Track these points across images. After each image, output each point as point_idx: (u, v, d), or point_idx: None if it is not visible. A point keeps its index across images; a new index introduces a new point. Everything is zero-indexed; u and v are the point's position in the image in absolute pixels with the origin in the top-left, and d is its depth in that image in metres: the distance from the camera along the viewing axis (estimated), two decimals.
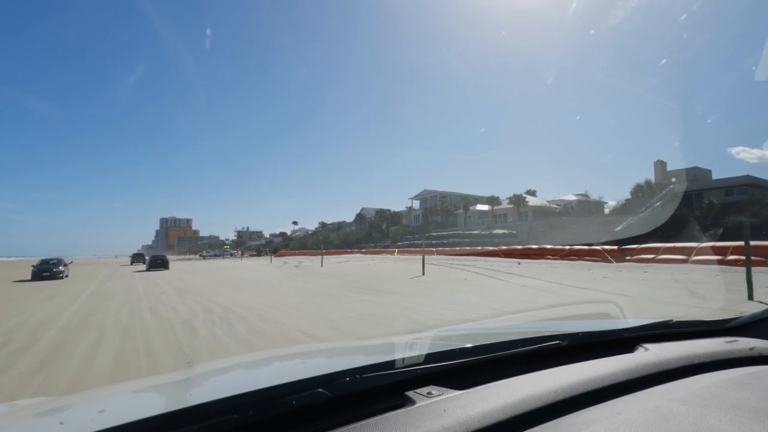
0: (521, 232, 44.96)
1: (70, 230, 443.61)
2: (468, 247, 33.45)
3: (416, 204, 74.21)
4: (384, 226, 70.44)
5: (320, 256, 43.10)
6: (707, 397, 0.91)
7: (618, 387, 0.95)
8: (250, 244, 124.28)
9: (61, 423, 0.75)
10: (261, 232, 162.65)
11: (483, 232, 46.66)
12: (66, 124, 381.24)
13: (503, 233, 45.36)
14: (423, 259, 16.69)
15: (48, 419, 0.92)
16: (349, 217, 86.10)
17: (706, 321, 1.56)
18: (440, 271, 17.75)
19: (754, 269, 8.25)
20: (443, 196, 66.61)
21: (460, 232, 49.95)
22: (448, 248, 35.96)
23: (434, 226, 59.61)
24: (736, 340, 1.33)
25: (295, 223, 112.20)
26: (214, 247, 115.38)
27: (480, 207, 56.88)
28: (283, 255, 60.72)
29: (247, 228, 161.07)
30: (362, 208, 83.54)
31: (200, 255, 77.29)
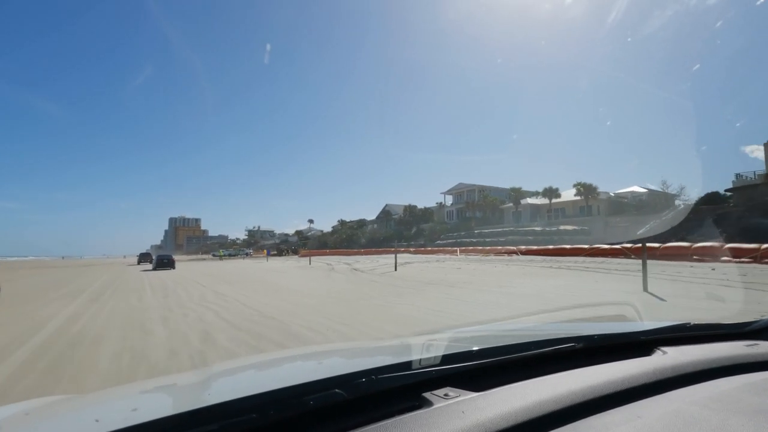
0: (594, 228, 37.69)
1: (81, 230, 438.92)
2: (567, 246, 26.08)
3: (448, 199, 67.15)
4: (413, 223, 63.36)
5: (367, 256, 36.19)
6: (728, 401, 0.87)
7: (637, 390, 0.92)
8: (262, 243, 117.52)
9: (97, 420, 0.75)
10: (272, 231, 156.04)
11: (549, 229, 39.40)
12: (77, 127, 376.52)
13: (573, 230, 38.10)
14: (644, 266, 9.36)
15: (83, 415, 0.92)
16: (365, 215, 79.14)
17: (725, 324, 1.46)
18: (661, 283, 10.51)
19: None
20: (482, 190, 59.41)
21: (515, 228, 42.67)
22: (534, 248, 28.63)
23: (476, 222, 52.40)
24: (756, 344, 1.28)
25: (310, 221, 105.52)
26: (225, 247, 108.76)
27: (531, 200, 49.61)
28: (310, 254, 53.50)
29: (258, 227, 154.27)
30: (386, 205, 76.44)
31: (217, 255, 70.19)
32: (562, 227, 39.12)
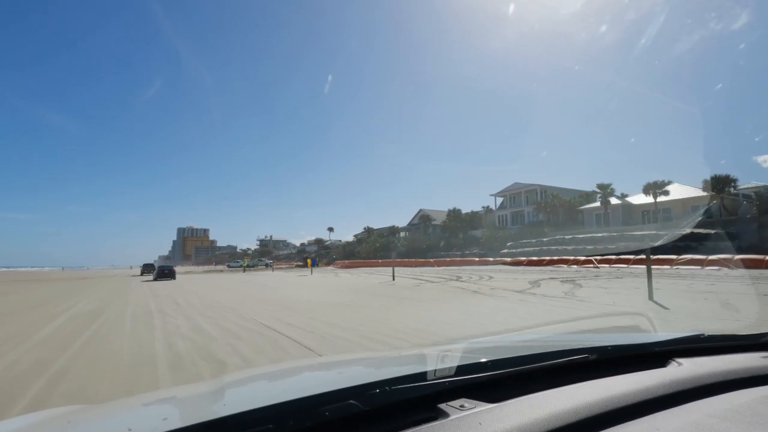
0: (745, 232, 28.21)
1: (92, 242, 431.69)
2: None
3: (493, 202, 57.97)
4: (459, 229, 54.05)
5: (443, 267, 26.42)
6: (748, 414, 0.84)
7: (654, 402, 0.89)
8: (277, 253, 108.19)
9: (129, 430, 0.75)
10: (285, 240, 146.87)
11: (674, 233, 29.91)
12: (89, 140, 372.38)
13: (713, 233, 28.60)
14: None
15: (115, 425, 0.92)
16: (385, 223, 70.00)
17: (740, 335, 1.40)
18: None
19: None
20: (544, 190, 50.21)
21: (622, 233, 33.17)
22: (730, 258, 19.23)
23: (549, 226, 43.00)
24: None
25: (330, 229, 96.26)
26: (236, 257, 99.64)
27: (613, 201, 40.24)
28: (355, 265, 44.10)
29: (271, 236, 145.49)
30: (421, 209, 67.31)
31: (239, 265, 61.06)
32: (689, 230, 29.62)
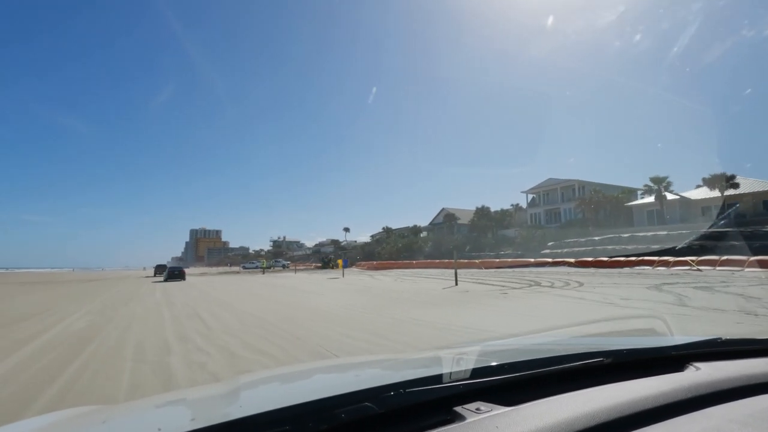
0: None
1: (107, 243, 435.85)
2: None
3: (522, 201, 54.12)
4: (487, 228, 50.36)
5: (499, 270, 22.64)
6: None
7: (672, 407, 0.87)
8: (291, 254, 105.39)
9: (159, 429, 0.74)
10: (299, 241, 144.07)
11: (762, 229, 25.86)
12: (104, 144, 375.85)
13: None
14: None
15: (144, 424, 0.92)
16: (398, 224, 66.74)
17: (759, 339, 1.38)
18: None
19: None
20: (582, 186, 46.28)
21: (693, 229, 29.23)
22: None
23: (593, 224, 39.10)
24: None
25: (346, 230, 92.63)
26: (249, 258, 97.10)
27: (669, 195, 36.18)
28: (384, 267, 40.75)
29: (284, 237, 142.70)
30: (443, 208, 63.75)
31: (256, 266, 58.44)
32: None
